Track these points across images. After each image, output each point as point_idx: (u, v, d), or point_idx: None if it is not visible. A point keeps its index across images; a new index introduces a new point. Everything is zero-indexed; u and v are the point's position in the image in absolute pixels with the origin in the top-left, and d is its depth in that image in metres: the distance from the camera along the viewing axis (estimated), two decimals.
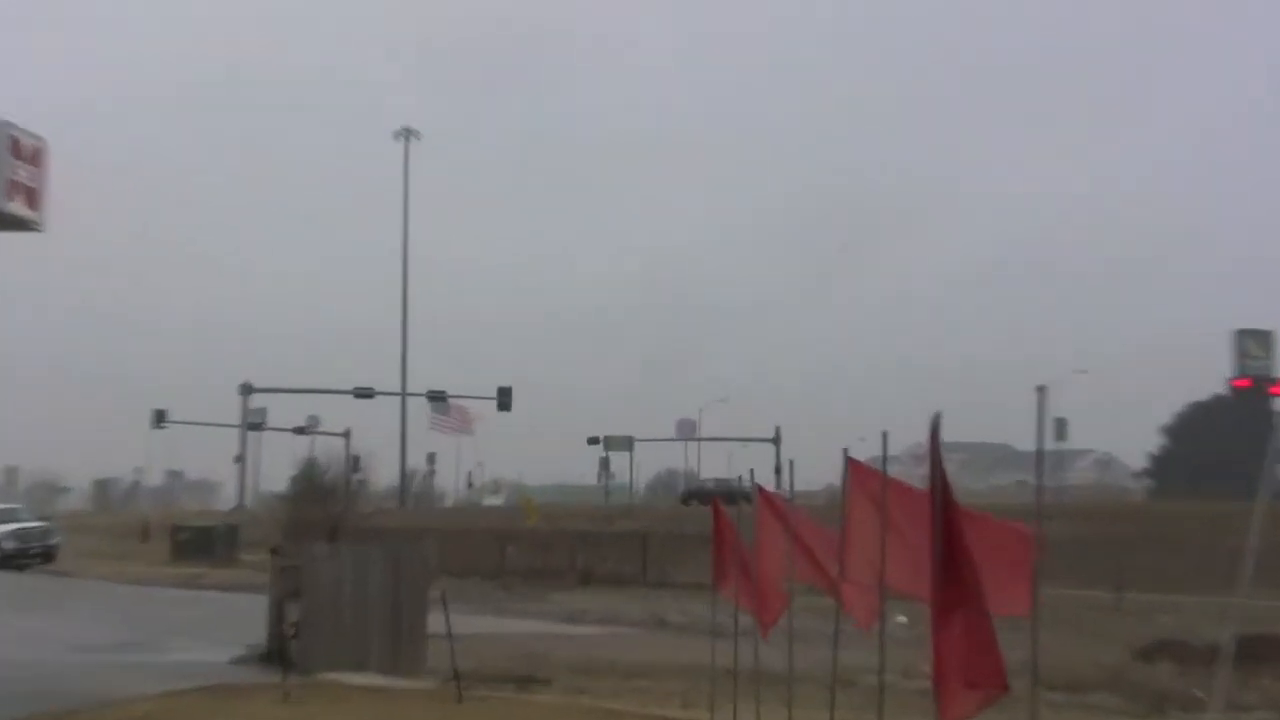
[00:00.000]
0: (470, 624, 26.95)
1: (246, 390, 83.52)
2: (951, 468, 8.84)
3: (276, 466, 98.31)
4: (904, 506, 10.71)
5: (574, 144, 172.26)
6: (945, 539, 8.35)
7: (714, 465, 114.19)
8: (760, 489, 15.53)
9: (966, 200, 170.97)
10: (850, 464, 11.54)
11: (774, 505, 15.15)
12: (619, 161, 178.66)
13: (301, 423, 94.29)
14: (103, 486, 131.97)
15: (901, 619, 27.19)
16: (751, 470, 16.13)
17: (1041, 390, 8.40)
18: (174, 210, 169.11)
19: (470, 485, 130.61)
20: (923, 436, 8.41)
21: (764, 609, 15.24)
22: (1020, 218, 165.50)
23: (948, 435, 8.54)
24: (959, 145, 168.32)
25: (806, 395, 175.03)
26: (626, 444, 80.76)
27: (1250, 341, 56.59)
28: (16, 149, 17.75)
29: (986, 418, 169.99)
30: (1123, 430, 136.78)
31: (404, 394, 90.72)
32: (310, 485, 53.62)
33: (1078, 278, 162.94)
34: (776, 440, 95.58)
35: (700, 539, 41.21)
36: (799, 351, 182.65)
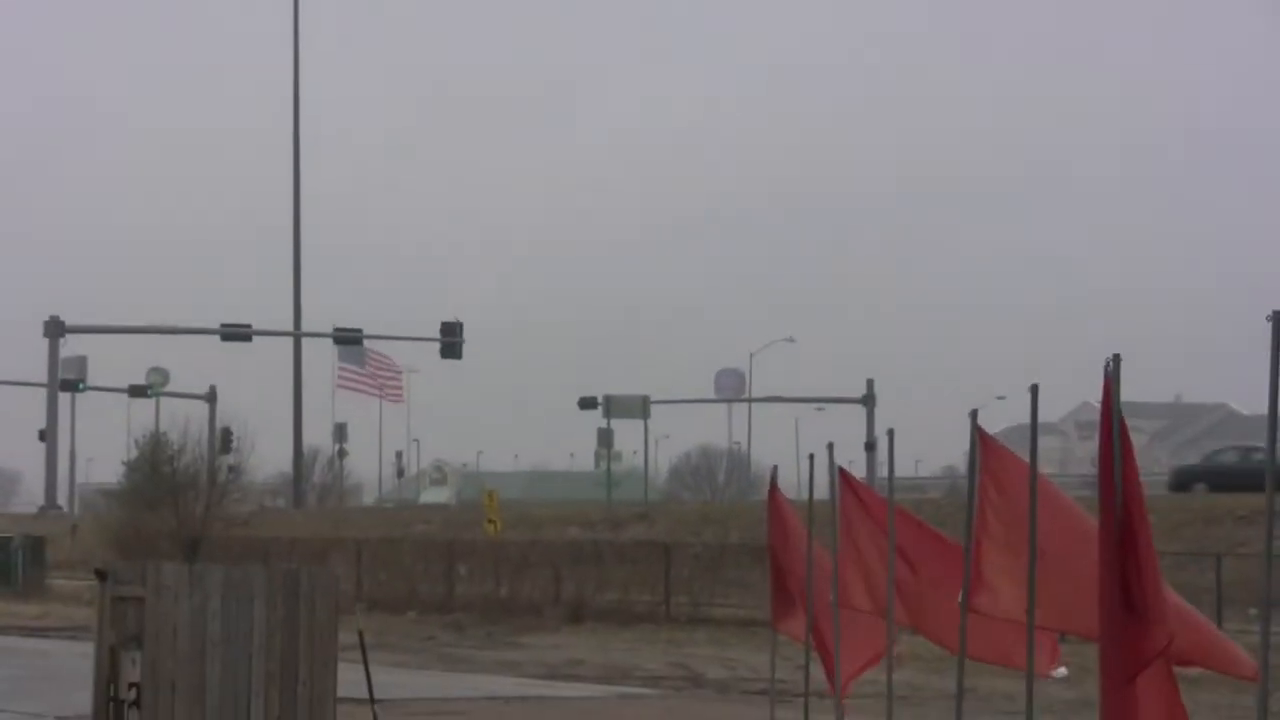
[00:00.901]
0: (404, 683, 27.12)
1: (55, 329, 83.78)
2: (1140, 441, 8.86)
3: (105, 445, 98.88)
4: (1063, 501, 10.75)
5: None
6: (1127, 547, 8.37)
7: (775, 436, 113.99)
8: (843, 474, 15.56)
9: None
10: (982, 437, 11.54)
11: (865, 500, 15.19)
12: None
13: (141, 379, 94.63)
14: None
15: (1059, 671, 27.37)
16: (830, 445, 16.16)
17: (1278, 319, 8.31)
18: None
19: (400, 473, 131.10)
20: (1093, 395, 8.42)
21: (848, 656, 15.34)
22: None
23: (1135, 393, 8.54)
24: None
25: (911, 334, 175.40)
26: (639, 408, 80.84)
27: None
28: None
29: (1193, 366, 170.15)
30: None
31: (298, 333, 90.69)
32: (156, 474, 53.84)
33: None
34: (869, 400, 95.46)
35: (750, 552, 41.43)
36: (894, 270, 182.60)
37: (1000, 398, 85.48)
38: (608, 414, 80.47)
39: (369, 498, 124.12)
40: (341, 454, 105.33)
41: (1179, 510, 44.69)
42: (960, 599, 11.68)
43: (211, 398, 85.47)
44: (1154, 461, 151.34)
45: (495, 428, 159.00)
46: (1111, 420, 8.26)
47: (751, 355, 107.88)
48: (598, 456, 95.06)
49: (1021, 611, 10.35)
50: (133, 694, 18.69)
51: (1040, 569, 10.15)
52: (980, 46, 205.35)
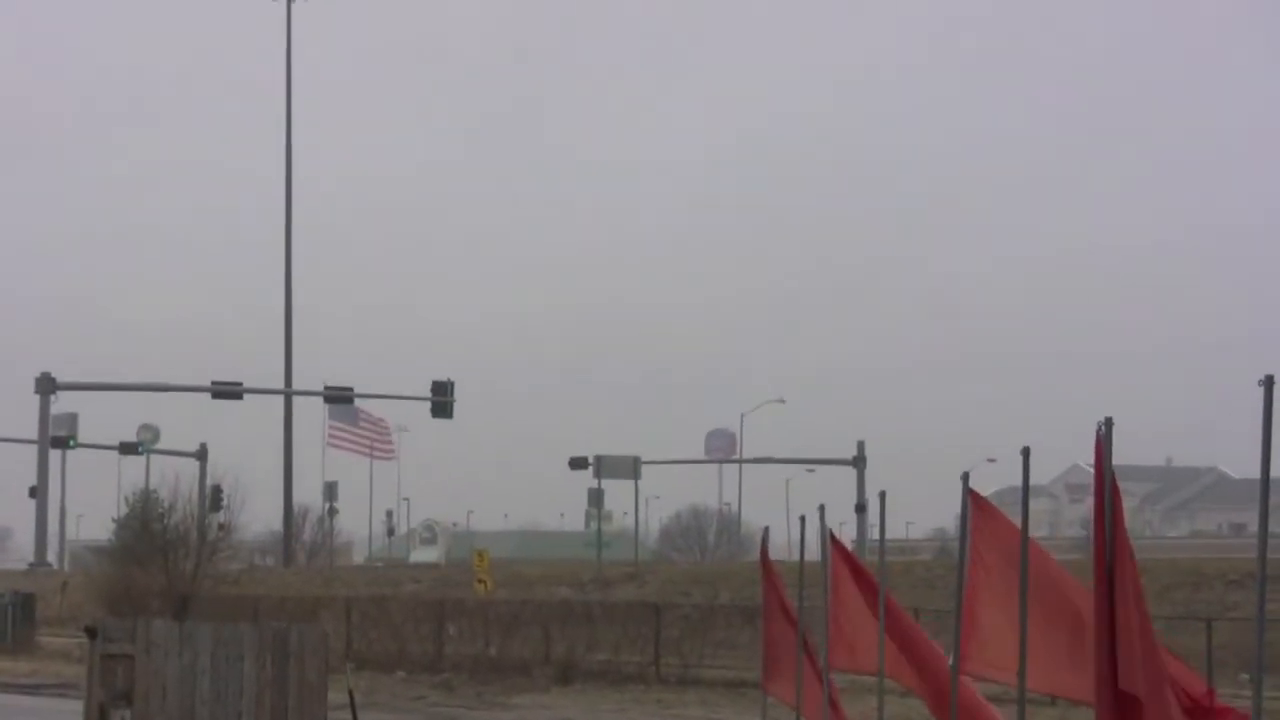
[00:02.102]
0: None
1: (47, 386, 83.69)
2: (1131, 504, 8.86)
3: (96, 503, 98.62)
4: (1051, 565, 10.75)
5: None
6: (1121, 608, 8.36)
7: (766, 496, 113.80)
8: (834, 542, 15.56)
9: None
10: (974, 499, 11.55)
11: (854, 566, 15.20)
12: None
13: (132, 436, 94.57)
14: None
15: None
16: (822, 508, 16.17)
17: (1270, 384, 8.27)
18: None
19: (391, 532, 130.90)
20: (1083, 457, 8.43)
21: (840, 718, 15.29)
22: None
23: (1126, 455, 8.54)
24: None
25: (902, 395, 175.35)
26: (630, 468, 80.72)
27: None
28: None
29: (1184, 429, 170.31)
30: None
31: (289, 391, 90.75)
32: (146, 532, 53.75)
33: None
34: (860, 461, 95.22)
35: (741, 613, 41.37)
36: (891, 329, 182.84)
37: (991, 460, 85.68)
38: (598, 474, 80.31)
39: (359, 556, 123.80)
40: (332, 512, 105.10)
41: (1169, 573, 44.59)
42: (951, 662, 11.66)
43: (202, 455, 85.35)
44: (1145, 524, 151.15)
45: (486, 487, 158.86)
46: (1103, 493, 8.25)
47: (742, 416, 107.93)
48: (588, 516, 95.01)
49: (1012, 673, 10.33)
50: None
51: (1030, 631, 10.14)
52: (993, 94, 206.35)
